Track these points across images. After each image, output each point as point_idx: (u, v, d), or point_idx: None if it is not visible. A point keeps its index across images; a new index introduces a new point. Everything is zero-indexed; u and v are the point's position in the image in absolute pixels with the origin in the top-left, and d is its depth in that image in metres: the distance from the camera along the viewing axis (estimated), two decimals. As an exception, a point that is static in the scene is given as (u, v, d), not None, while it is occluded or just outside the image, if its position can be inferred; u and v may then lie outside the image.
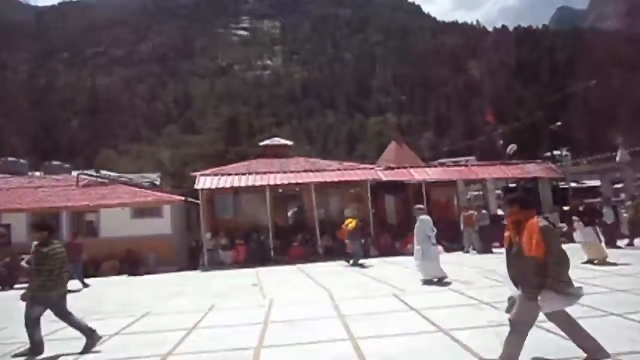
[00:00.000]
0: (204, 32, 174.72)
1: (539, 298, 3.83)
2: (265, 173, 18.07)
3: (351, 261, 13.51)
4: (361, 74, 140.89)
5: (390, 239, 16.44)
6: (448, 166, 21.10)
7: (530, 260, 3.88)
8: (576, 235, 11.21)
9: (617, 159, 33.86)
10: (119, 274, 16.03)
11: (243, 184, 17.26)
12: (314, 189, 17.15)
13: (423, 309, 6.82)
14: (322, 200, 18.80)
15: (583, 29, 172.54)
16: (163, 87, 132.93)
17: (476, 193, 25.07)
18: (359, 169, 18.52)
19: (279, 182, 17.38)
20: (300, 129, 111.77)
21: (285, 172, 18.24)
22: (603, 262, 10.29)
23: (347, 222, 13.94)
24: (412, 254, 10.30)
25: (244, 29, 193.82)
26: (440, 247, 14.96)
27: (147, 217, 18.18)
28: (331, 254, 15.77)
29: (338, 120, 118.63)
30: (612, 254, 10.95)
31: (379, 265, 13.27)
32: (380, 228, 17.49)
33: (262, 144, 24.30)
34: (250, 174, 18.10)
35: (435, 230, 9.54)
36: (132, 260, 16.42)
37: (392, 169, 18.25)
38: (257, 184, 17.17)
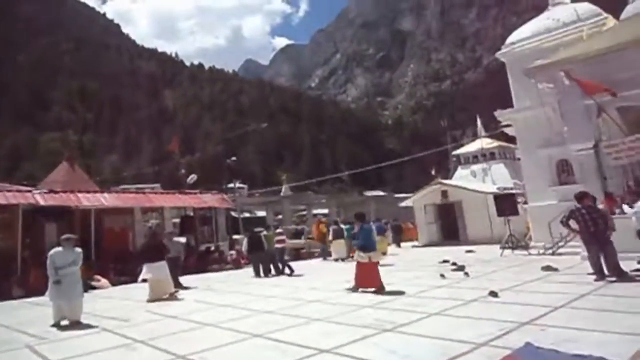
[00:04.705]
0: None
1: None
2: None
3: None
4: (40, 82, 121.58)
5: (44, 274, 13.91)
6: (125, 192, 19.92)
7: None
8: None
9: (282, 193, 40.00)
10: None
11: None
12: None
13: (60, 361, 5.71)
14: (-49, 227, 14.57)
15: (264, 80, 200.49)
16: None
17: (156, 221, 24.63)
18: (8, 190, 15.20)
19: None
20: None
21: None
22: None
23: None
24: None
25: None
26: (104, 280, 13.77)
27: None
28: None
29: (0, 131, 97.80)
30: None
31: (24, 307, 10.98)
32: (36, 261, 14.69)
33: None
34: None
35: (78, 263, 8.25)
36: None
37: (56, 192, 15.79)
38: None
